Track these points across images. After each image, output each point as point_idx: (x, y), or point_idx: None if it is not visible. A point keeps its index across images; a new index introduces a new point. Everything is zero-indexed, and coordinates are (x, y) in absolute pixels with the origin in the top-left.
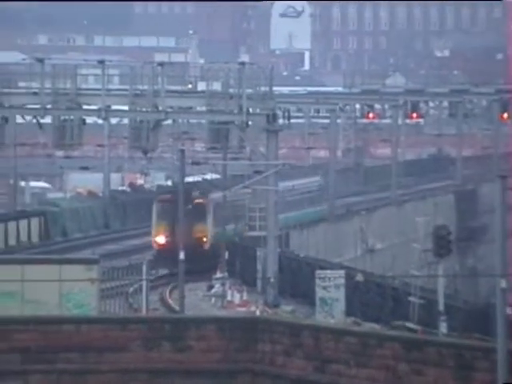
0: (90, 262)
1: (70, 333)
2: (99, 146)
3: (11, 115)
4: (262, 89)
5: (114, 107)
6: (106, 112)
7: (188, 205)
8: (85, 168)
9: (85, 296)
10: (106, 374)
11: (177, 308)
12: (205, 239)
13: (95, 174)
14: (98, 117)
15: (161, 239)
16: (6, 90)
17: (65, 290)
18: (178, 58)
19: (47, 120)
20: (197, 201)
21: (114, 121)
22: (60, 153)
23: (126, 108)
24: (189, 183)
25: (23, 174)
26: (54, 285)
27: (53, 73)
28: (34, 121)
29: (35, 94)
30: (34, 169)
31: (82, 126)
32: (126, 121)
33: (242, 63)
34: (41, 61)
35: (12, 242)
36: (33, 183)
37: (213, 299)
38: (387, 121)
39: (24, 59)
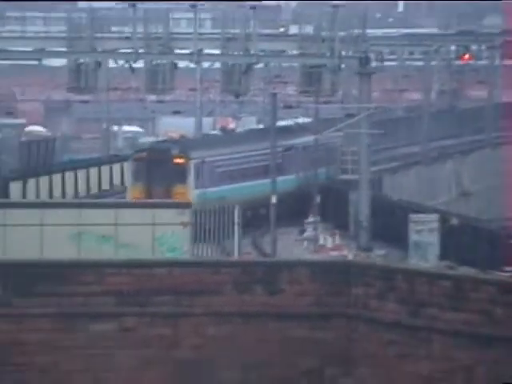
0: (182, 205)
1: (162, 276)
2: (191, 90)
3: (104, 60)
4: (355, 31)
5: (206, 51)
6: (197, 56)
7: (165, 164)
8: (177, 112)
9: (177, 239)
10: (199, 316)
11: (269, 252)
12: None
13: (187, 118)
14: (190, 61)
15: None
16: (99, 35)
17: (157, 234)
18: (270, 1)
19: (139, 64)
20: (176, 160)
21: (205, 65)
22: (152, 97)
23: (217, 52)
24: (168, 141)
25: (116, 119)
26: (147, 228)
27: (145, 17)
28: (127, 65)
29: (127, 38)
30: (127, 113)
31: (174, 70)
32: (217, 65)
33: (335, 6)
34: (133, 5)
35: (105, 186)
36: (125, 127)
37: (305, 243)
38: (484, 62)
39: (117, 4)
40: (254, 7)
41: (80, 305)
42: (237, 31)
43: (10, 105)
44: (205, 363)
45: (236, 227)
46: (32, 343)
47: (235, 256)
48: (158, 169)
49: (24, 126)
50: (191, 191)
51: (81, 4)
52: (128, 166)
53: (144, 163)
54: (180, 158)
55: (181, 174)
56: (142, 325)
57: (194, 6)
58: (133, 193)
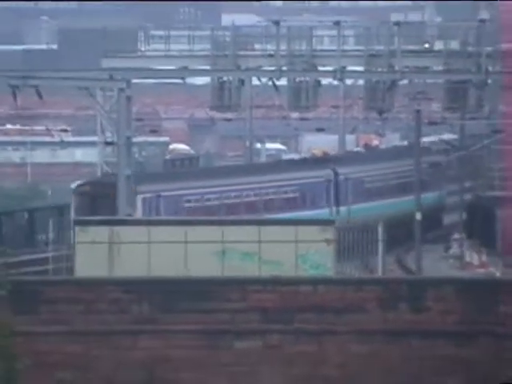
0: (326, 223)
1: (307, 293)
2: (334, 107)
3: (247, 77)
4: (502, 45)
5: (350, 68)
6: (341, 73)
7: (109, 199)
8: (320, 129)
9: (321, 257)
10: (343, 334)
11: (413, 269)
12: None
13: (330, 135)
14: (334, 78)
15: None
16: (243, 53)
17: (301, 251)
18: (415, 16)
19: (283, 82)
20: None
21: (349, 82)
22: (295, 114)
23: (361, 69)
24: (111, 175)
25: (259, 136)
26: (291, 246)
27: (288, 35)
28: (270, 83)
29: (271, 56)
30: (270, 130)
31: (318, 87)
32: (361, 81)
33: (482, 20)
34: (276, 23)
35: None
36: (268, 145)
37: (450, 260)
38: None
39: (260, 21)
40: (397, 23)
41: (225, 322)
42: (380, 48)
43: (155, 123)
44: (348, 381)
45: (380, 244)
46: (177, 360)
47: (379, 273)
48: (102, 203)
49: (168, 143)
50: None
51: (225, 22)
52: (72, 201)
53: (87, 197)
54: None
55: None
56: (287, 342)
57: (337, 23)
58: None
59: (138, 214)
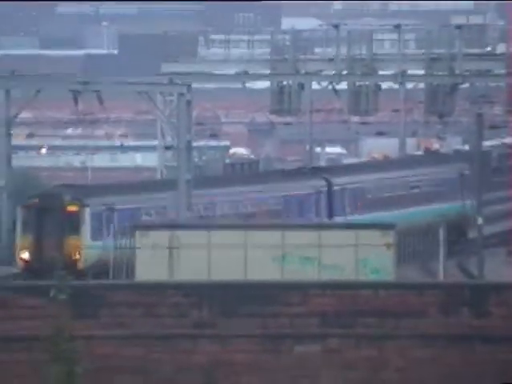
0: (387, 227)
1: (367, 298)
2: (394, 111)
3: (307, 81)
4: None
5: (410, 72)
6: (401, 77)
7: (57, 213)
8: (380, 133)
9: (381, 261)
10: (404, 339)
11: (475, 273)
12: (77, 256)
13: (390, 139)
14: (394, 82)
15: (25, 255)
16: (302, 57)
17: (361, 256)
18: (476, 20)
19: (342, 86)
20: (69, 208)
21: (409, 85)
22: (355, 118)
23: (421, 72)
24: (62, 186)
25: (319, 140)
26: (351, 250)
27: (348, 39)
28: (330, 87)
29: (331, 60)
30: (330, 134)
31: (378, 91)
32: (421, 85)
33: None
34: (336, 27)
35: None
36: (328, 149)
37: None
38: None
39: (320, 25)
40: (459, 26)
41: (285, 326)
42: (441, 51)
43: (215, 127)
44: None
45: (441, 248)
46: (237, 364)
47: (440, 278)
48: (49, 218)
49: (228, 148)
50: (86, 243)
51: (284, 26)
52: (17, 214)
53: (34, 211)
54: (73, 205)
55: (73, 224)
56: (347, 346)
57: (397, 27)
58: (21, 244)
59: (86, 228)
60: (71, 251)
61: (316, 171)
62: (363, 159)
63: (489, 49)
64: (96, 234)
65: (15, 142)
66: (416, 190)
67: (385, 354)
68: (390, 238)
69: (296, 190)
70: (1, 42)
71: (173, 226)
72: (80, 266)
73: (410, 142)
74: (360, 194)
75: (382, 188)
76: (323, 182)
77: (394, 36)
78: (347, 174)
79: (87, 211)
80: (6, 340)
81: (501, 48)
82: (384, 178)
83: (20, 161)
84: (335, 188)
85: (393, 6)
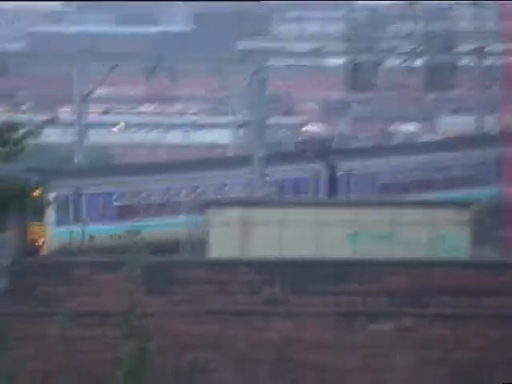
0: (463, 205)
1: (442, 276)
2: (471, 88)
3: (382, 59)
4: None
5: (488, 48)
6: (479, 53)
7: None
8: (456, 110)
9: (457, 239)
10: (480, 318)
11: None
12: (41, 242)
13: (467, 116)
14: (471, 59)
15: None
16: (378, 34)
17: (436, 234)
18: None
19: (418, 62)
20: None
21: (487, 62)
22: (431, 95)
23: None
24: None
25: (393, 118)
26: (425, 228)
27: (425, 15)
28: (405, 64)
29: (407, 36)
30: (405, 112)
31: (455, 68)
32: (500, 61)
33: None
34: (412, 3)
35: None
36: (403, 126)
37: None
38: None
39: (396, 2)
40: None
41: (358, 304)
42: None
43: (288, 105)
44: (484, 366)
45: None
46: (309, 341)
47: None
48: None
49: (300, 126)
50: (51, 229)
51: (360, 3)
52: None
53: None
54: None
55: (37, 210)
56: (421, 325)
57: (476, 4)
58: None
59: (51, 214)
60: (34, 238)
61: (322, 155)
62: (438, 137)
63: None
64: (61, 219)
65: (91, 118)
66: (440, 175)
67: (459, 333)
68: (466, 216)
69: (291, 174)
70: (80, 18)
71: (246, 204)
72: (43, 252)
73: (489, 120)
74: (370, 179)
75: (397, 173)
76: (322, 167)
77: (472, 12)
78: (358, 158)
79: (51, 196)
80: (81, 315)
81: None
82: (401, 163)
83: (95, 137)
84: (340, 173)
85: None
